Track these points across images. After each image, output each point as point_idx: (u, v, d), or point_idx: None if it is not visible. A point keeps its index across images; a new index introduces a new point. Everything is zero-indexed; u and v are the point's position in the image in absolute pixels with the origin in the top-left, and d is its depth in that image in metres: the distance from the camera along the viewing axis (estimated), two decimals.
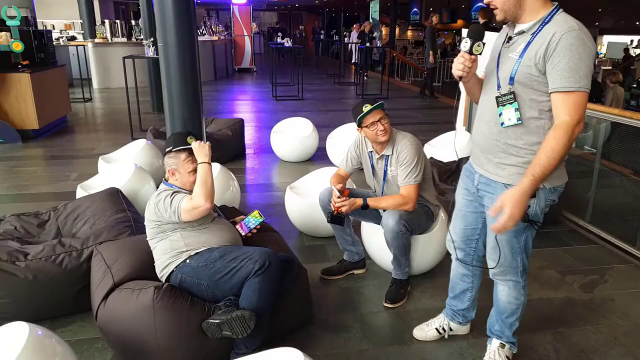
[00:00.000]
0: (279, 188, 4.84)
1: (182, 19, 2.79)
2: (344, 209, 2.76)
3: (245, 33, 15.66)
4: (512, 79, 1.78)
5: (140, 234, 2.89)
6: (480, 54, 1.85)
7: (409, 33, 25.15)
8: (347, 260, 3.18)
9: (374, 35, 12.93)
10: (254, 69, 16.06)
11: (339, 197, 2.74)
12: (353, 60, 14.60)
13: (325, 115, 8.61)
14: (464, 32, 1.95)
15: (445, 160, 4.54)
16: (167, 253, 2.34)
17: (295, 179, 4.07)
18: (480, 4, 10.36)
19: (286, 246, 2.79)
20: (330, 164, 5.40)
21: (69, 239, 2.76)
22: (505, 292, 2.17)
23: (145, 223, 2.42)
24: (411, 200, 2.74)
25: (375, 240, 3.09)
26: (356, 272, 3.20)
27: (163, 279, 2.35)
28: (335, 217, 2.81)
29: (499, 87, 1.85)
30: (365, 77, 12.92)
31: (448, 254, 3.10)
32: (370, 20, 21.09)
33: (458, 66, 1.87)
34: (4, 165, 5.43)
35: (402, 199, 2.75)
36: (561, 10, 1.75)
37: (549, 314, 2.78)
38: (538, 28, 1.73)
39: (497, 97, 1.83)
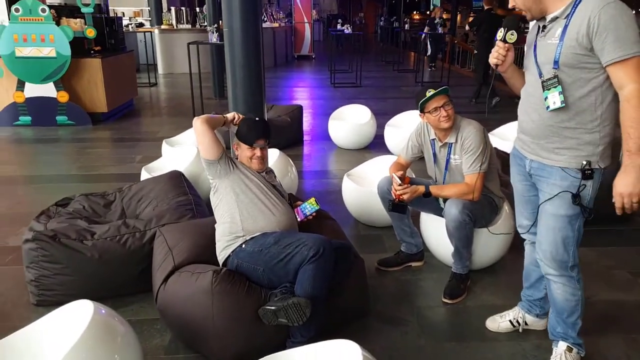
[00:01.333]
0: (335, 175, 4.81)
1: (247, 4, 2.78)
2: (405, 197, 2.68)
3: (306, 20, 15.66)
4: (556, 63, 1.80)
5: (202, 217, 2.96)
6: (513, 42, 1.96)
7: (471, 19, 24.31)
8: (404, 252, 3.10)
9: (439, 21, 12.36)
10: (313, 56, 16.06)
11: (400, 185, 2.66)
12: (428, 53, 13.67)
13: (383, 103, 8.47)
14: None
15: (509, 151, 4.33)
16: (224, 237, 2.38)
17: (352, 167, 4.02)
18: None
19: (343, 234, 2.76)
20: (387, 152, 5.31)
21: (133, 220, 2.85)
22: (560, 290, 2.10)
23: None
24: (476, 189, 2.63)
25: (435, 232, 3.00)
26: (414, 264, 3.12)
27: (221, 263, 2.38)
28: (396, 206, 2.73)
29: (540, 74, 1.88)
30: (431, 68, 12.49)
31: (511, 249, 3.01)
32: (432, 6, 20.57)
33: (494, 54, 1.99)
34: (75, 146, 5.72)
35: (466, 187, 2.65)
36: None
37: (619, 318, 2.59)
38: (571, 10, 1.77)
39: (542, 82, 1.86)
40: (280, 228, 2.39)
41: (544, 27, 1.88)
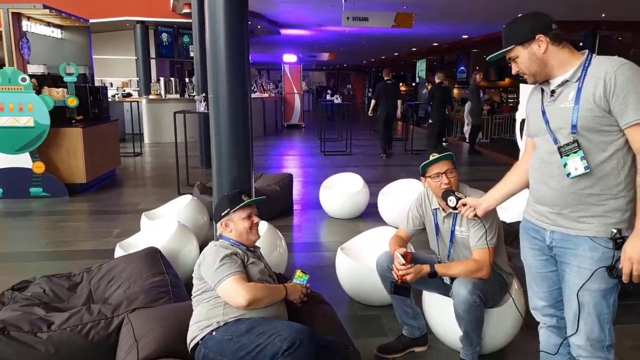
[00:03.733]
0: (327, 248, 4.48)
1: (235, 70, 2.59)
2: (409, 278, 2.37)
3: (295, 91, 15.85)
4: (574, 127, 1.71)
5: (178, 300, 2.61)
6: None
7: (456, 91, 25.04)
8: (406, 335, 2.75)
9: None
10: (303, 125, 16.13)
11: (403, 264, 2.36)
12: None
13: (373, 171, 8.30)
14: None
15: (508, 221, 4.08)
16: (200, 321, 2.07)
17: (345, 238, 3.73)
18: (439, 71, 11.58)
19: (337, 322, 2.41)
20: (381, 221, 5.03)
21: (99, 305, 2.49)
22: None
23: (193, 274, 2.20)
24: (486, 265, 2.37)
25: (440, 313, 2.68)
26: (417, 349, 2.75)
27: (190, 350, 2.08)
28: (400, 287, 2.41)
29: (555, 140, 1.78)
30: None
31: (521, 329, 2.67)
32: (417, 78, 21.12)
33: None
34: (48, 220, 5.35)
35: (475, 264, 2.36)
36: (594, 54, 1.76)
37: None
38: (582, 73, 1.71)
39: (559, 148, 1.76)
40: (267, 314, 2.07)
41: (553, 91, 1.79)
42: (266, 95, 14.28)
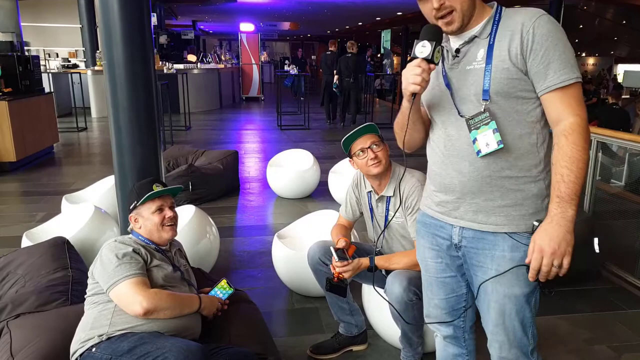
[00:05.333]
0: (271, 231, 4.18)
1: (132, 29, 2.20)
2: (346, 275, 2.11)
3: (253, 61, 15.28)
4: (485, 92, 1.37)
5: (78, 302, 2.26)
6: (438, 63, 1.40)
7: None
8: (343, 334, 2.49)
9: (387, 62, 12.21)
10: (262, 98, 15.62)
11: (338, 261, 2.08)
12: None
13: (331, 146, 7.98)
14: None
15: None
16: (84, 331, 1.76)
17: (291, 220, 3.45)
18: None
19: (260, 327, 2.12)
20: (332, 201, 4.76)
21: None
22: None
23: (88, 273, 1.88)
24: None
25: (380, 308, 2.42)
26: (355, 348, 2.51)
27: None
28: (335, 286, 2.14)
29: (459, 112, 1.43)
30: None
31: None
32: (382, 49, 20.75)
33: (414, 79, 1.38)
34: None
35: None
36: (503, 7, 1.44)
37: None
38: (493, 28, 1.39)
39: (467, 120, 1.41)
40: (176, 326, 1.77)
41: (457, 50, 1.44)
42: (222, 66, 13.69)
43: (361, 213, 2.46)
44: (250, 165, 6.58)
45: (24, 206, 4.78)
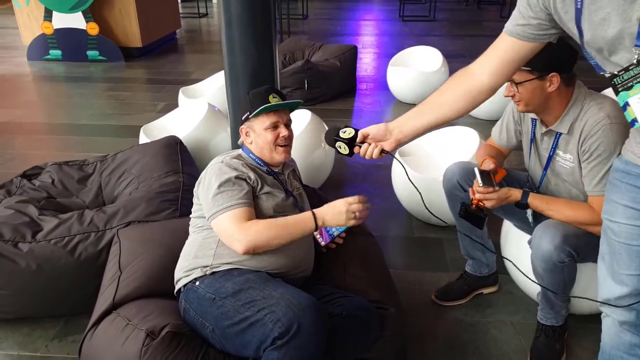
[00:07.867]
0: None
1: None
2: (489, 204, 1.72)
3: None
4: None
5: (187, 212, 2.15)
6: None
7: None
8: (472, 273, 2.18)
9: None
10: None
11: (481, 186, 1.70)
12: None
13: (460, 42, 7.12)
14: None
15: None
16: (187, 259, 1.61)
17: None
18: None
19: (382, 268, 1.85)
20: (467, 115, 4.21)
21: (93, 212, 2.10)
22: None
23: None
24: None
25: (522, 249, 1.95)
26: (486, 291, 2.20)
27: (175, 291, 1.65)
28: (471, 214, 1.75)
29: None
30: None
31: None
32: None
33: None
34: (100, 87, 5.07)
35: (589, 213, 1.63)
36: None
37: None
38: None
39: (611, 78, 1.09)
40: (286, 264, 1.56)
41: None
42: None
43: (519, 142, 1.99)
44: (367, 62, 6.08)
45: (147, 94, 4.86)
